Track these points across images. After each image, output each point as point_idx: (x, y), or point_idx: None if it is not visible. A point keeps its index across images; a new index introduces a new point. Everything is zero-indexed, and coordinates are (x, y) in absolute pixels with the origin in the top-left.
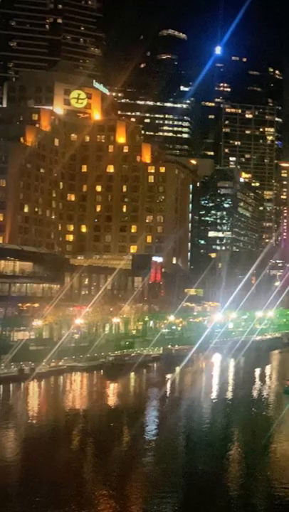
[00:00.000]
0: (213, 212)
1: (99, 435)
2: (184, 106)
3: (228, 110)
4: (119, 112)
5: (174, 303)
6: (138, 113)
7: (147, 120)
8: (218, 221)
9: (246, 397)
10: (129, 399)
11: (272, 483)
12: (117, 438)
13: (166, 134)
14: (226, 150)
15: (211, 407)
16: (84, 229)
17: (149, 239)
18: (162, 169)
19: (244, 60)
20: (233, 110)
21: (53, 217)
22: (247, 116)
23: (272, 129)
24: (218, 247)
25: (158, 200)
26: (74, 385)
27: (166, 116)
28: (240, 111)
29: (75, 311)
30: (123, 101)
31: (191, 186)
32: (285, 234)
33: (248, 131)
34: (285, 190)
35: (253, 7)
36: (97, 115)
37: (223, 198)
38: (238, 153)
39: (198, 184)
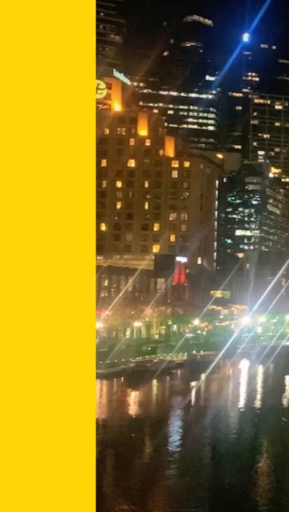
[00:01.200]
0: (240, 209)
1: (119, 446)
2: (210, 96)
3: (256, 101)
4: (140, 103)
5: (199, 306)
6: (161, 104)
7: (171, 112)
8: (246, 219)
9: (276, 405)
10: (152, 408)
11: None
12: (138, 449)
13: (190, 126)
14: (254, 143)
15: (238, 417)
16: (103, 227)
17: (172, 238)
18: (187, 164)
19: (273, 47)
20: (261, 101)
21: None
22: (276, 107)
23: None
24: (245, 247)
25: (182, 196)
26: None
27: (191, 107)
28: (269, 102)
29: None
30: (145, 91)
31: (217, 182)
32: None
33: (277, 124)
34: None
35: None
36: (117, 106)
37: (251, 195)
38: (267, 147)
39: (224, 180)
